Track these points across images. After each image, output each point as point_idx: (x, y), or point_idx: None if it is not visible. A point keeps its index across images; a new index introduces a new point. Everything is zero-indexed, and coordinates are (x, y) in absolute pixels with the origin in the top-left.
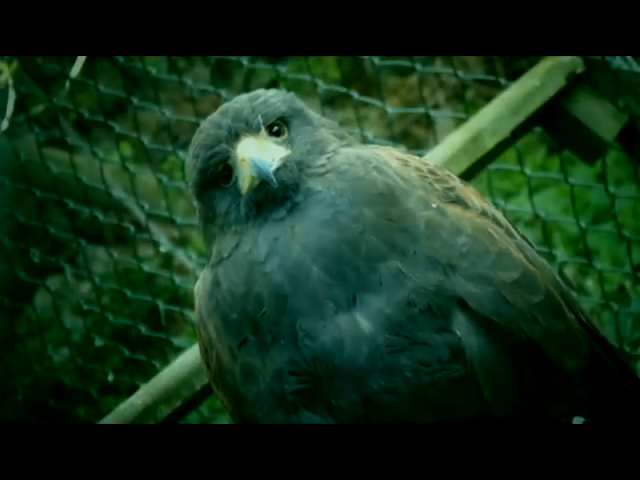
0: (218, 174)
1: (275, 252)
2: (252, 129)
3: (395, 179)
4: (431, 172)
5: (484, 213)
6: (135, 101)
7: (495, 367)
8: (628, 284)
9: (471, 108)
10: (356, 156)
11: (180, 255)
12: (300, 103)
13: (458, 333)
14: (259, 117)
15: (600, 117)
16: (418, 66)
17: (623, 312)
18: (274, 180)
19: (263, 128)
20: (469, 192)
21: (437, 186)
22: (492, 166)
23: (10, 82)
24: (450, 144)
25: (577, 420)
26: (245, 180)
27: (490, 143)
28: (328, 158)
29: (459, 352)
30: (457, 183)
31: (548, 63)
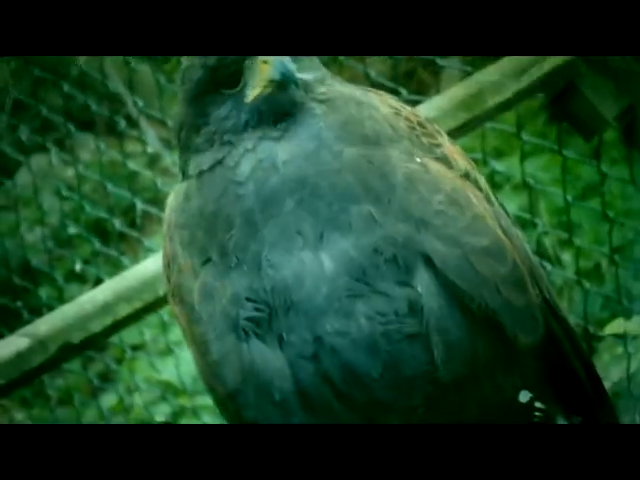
0: (227, 76)
1: (255, 175)
2: None
3: (383, 125)
4: (420, 125)
5: (466, 175)
6: None
7: (450, 329)
8: (605, 263)
9: (479, 62)
10: (350, 95)
11: (166, 157)
12: None
13: (419, 289)
14: None
15: (604, 94)
16: None
17: (594, 291)
18: (297, 80)
19: None
20: (455, 151)
21: (424, 140)
22: (489, 124)
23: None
24: (451, 96)
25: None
26: (258, 84)
27: (491, 102)
28: (328, 89)
29: (417, 308)
30: (444, 140)
31: None
